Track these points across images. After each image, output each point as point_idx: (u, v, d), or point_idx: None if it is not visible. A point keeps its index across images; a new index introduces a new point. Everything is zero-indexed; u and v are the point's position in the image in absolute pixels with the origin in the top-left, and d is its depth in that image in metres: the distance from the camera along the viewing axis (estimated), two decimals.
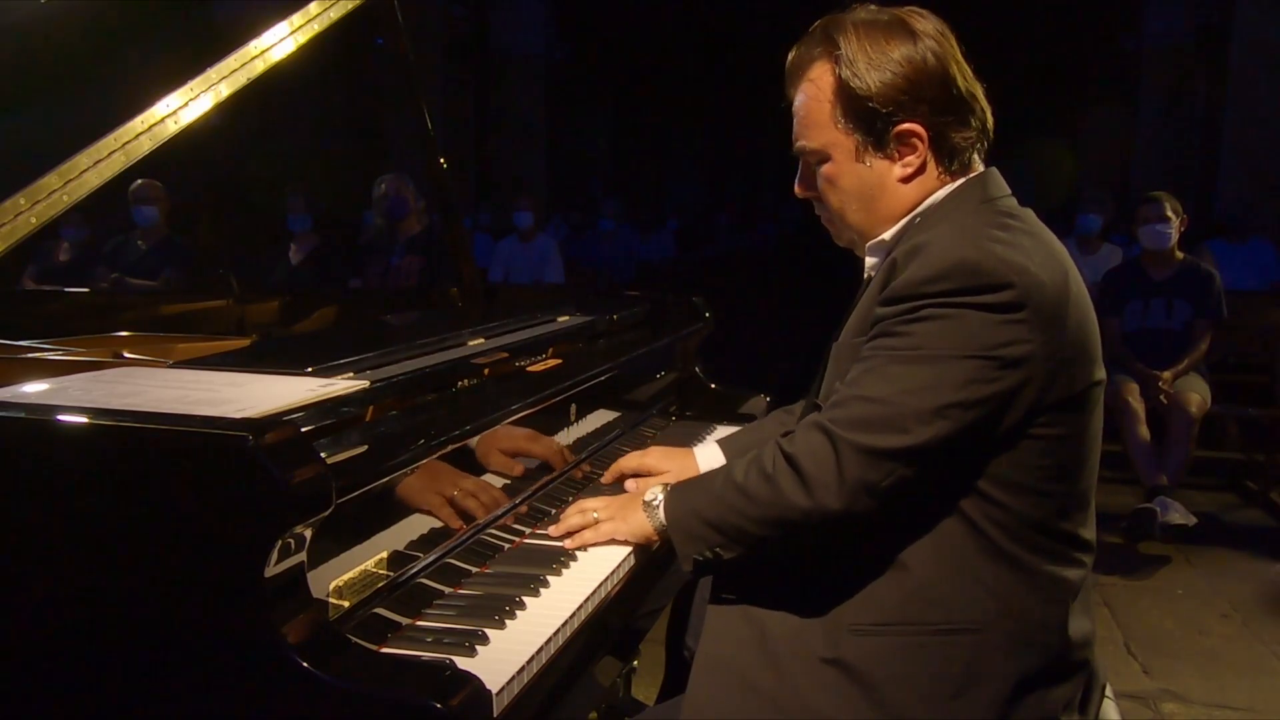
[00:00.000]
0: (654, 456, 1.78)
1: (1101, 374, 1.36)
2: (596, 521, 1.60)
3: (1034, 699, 1.32)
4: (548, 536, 1.65)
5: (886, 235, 1.44)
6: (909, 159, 1.40)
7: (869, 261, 1.49)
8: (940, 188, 1.42)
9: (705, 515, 1.41)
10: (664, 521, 1.49)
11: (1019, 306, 1.25)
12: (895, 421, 1.26)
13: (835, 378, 1.41)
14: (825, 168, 1.45)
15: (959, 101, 1.39)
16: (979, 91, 1.42)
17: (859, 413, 1.29)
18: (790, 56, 1.47)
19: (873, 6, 1.43)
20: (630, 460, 1.78)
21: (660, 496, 1.52)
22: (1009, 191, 1.43)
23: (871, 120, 1.38)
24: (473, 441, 1.58)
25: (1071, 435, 1.32)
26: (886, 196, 1.42)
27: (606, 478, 1.81)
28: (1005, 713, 1.30)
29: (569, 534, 1.61)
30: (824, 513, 1.30)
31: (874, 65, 1.37)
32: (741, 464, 1.41)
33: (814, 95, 1.42)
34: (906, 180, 1.41)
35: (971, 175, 1.43)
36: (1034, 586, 1.32)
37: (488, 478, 1.64)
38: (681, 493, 1.49)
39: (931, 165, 1.41)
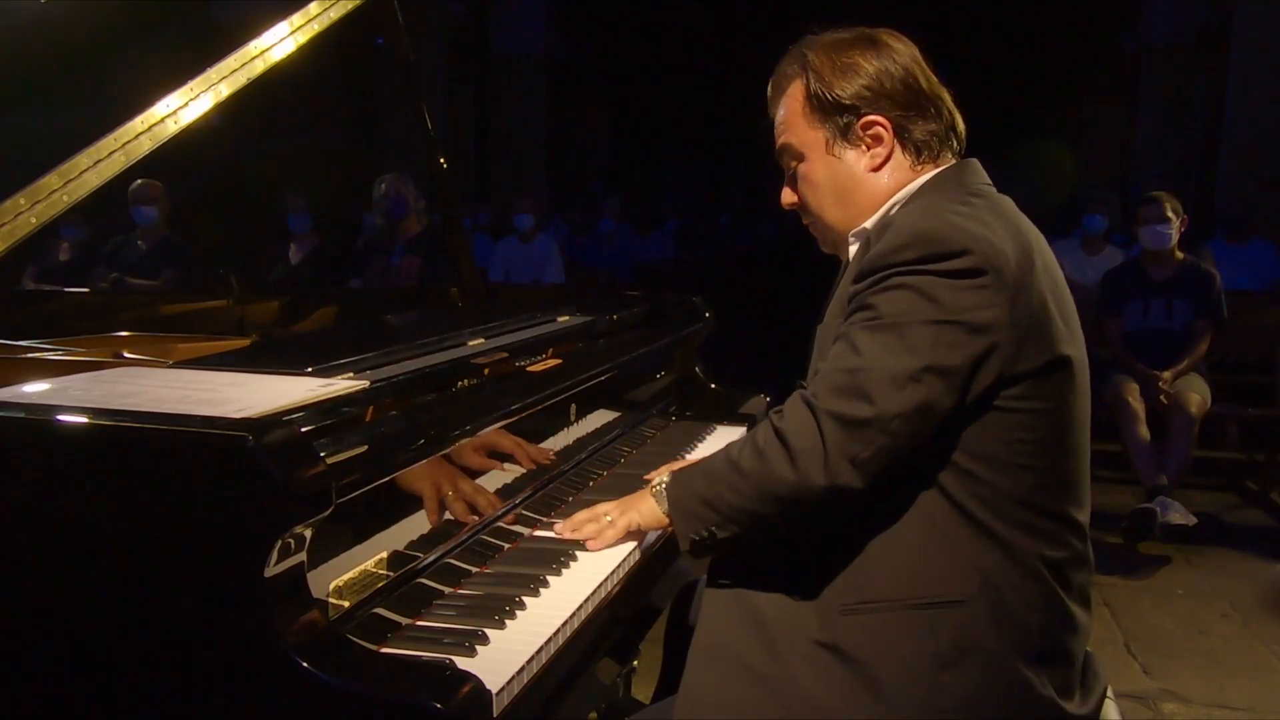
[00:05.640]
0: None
1: (1078, 353, 1.39)
2: (611, 523, 1.61)
3: (1025, 676, 1.33)
4: (548, 536, 1.66)
5: (869, 223, 1.49)
6: (876, 150, 1.48)
7: (852, 249, 1.53)
8: (915, 178, 1.49)
9: (702, 494, 1.44)
10: (668, 506, 1.51)
11: (980, 272, 1.30)
12: (866, 389, 1.30)
13: (819, 358, 1.45)
14: (801, 167, 1.54)
15: (923, 98, 1.47)
16: (945, 95, 1.50)
17: (834, 384, 1.33)
18: (771, 79, 1.57)
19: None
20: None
21: (665, 481, 1.54)
22: (988, 180, 1.49)
23: (839, 114, 1.48)
24: (473, 441, 1.58)
25: (1048, 410, 1.34)
26: (860, 189, 1.50)
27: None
28: (996, 687, 1.32)
29: (577, 534, 1.63)
30: (810, 486, 1.32)
31: (838, 69, 1.48)
32: (739, 442, 1.45)
33: (788, 104, 1.54)
34: (876, 170, 1.49)
35: (949, 165, 1.49)
36: (1017, 562, 1.33)
37: (488, 477, 1.64)
38: (682, 475, 1.52)
39: (899, 156, 1.49)
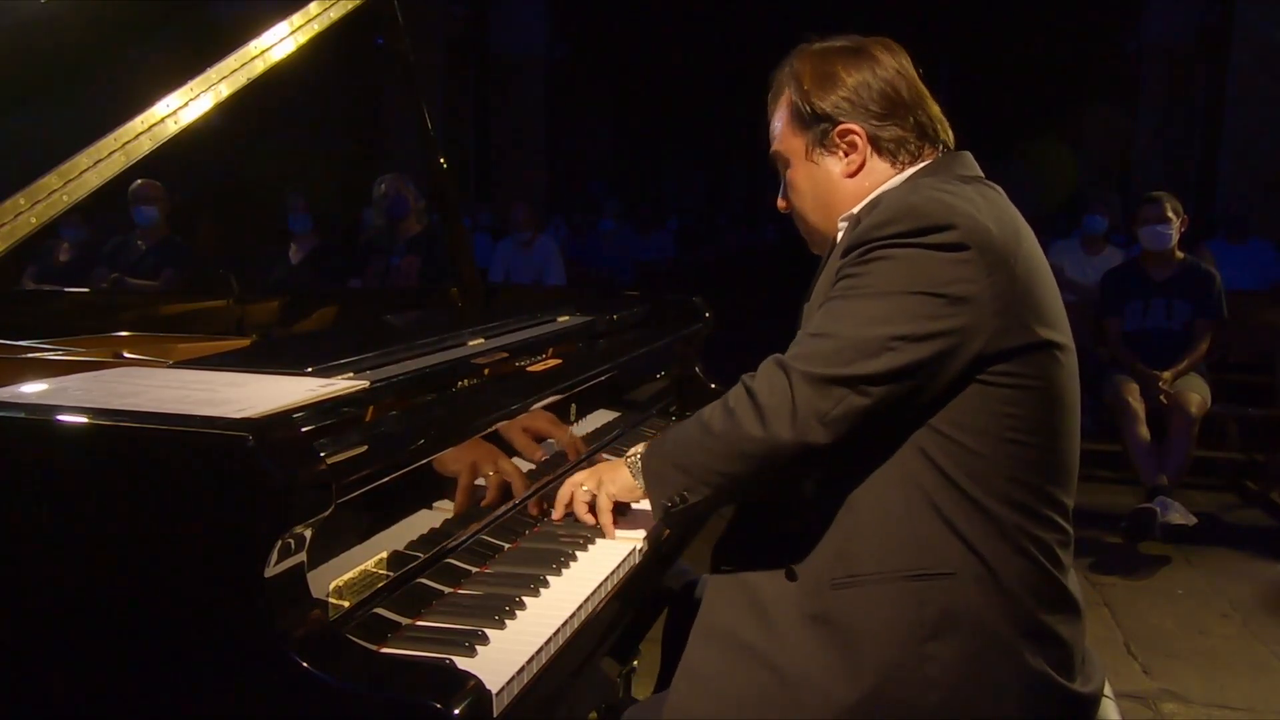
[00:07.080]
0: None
1: (1063, 338, 1.41)
2: (592, 496, 1.64)
3: (1018, 650, 1.34)
4: (548, 536, 1.66)
5: (856, 209, 1.51)
6: (852, 157, 1.53)
7: (840, 233, 1.55)
8: (898, 174, 1.52)
9: (674, 458, 1.47)
10: (642, 478, 1.54)
11: (964, 246, 1.33)
12: (842, 352, 1.33)
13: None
14: (789, 172, 1.60)
15: (901, 107, 1.51)
16: (929, 104, 1.53)
17: (811, 347, 1.37)
18: (770, 88, 1.62)
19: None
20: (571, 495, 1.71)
21: (640, 453, 1.57)
22: (979, 172, 1.51)
23: (816, 122, 1.53)
24: (473, 441, 1.58)
25: (1036, 388, 1.36)
26: (837, 193, 1.54)
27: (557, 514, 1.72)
28: (987, 658, 1.33)
29: (569, 514, 1.68)
30: (777, 442, 1.35)
31: (818, 79, 1.53)
32: (710, 405, 1.47)
33: (780, 113, 1.59)
34: (852, 175, 1.53)
35: (938, 157, 1.52)
36: (1005, 537, 1.35)
37: (488, 477, 1.64)
38: (655, 444, 1.55)
39: (875, 162, 1.52)
